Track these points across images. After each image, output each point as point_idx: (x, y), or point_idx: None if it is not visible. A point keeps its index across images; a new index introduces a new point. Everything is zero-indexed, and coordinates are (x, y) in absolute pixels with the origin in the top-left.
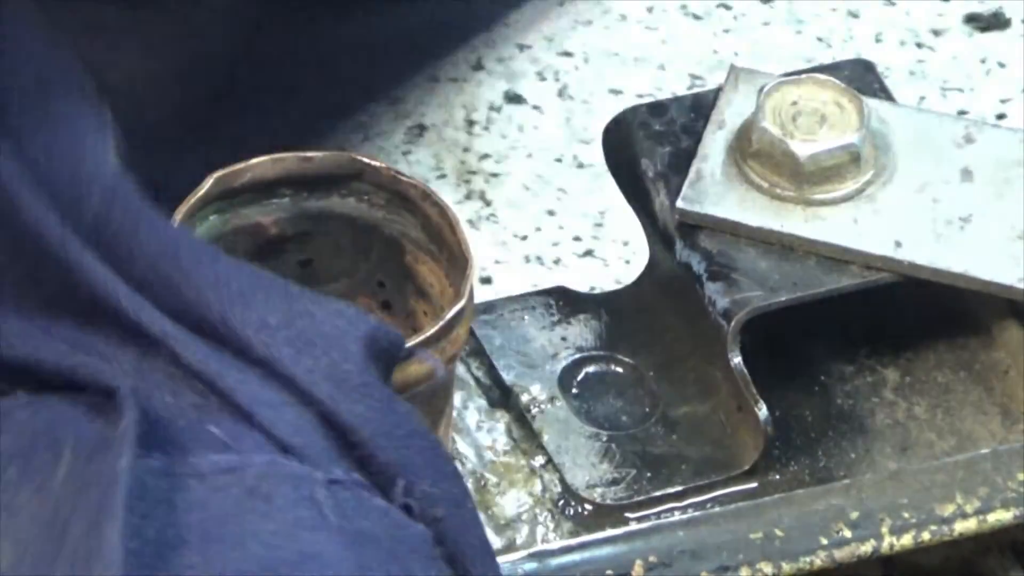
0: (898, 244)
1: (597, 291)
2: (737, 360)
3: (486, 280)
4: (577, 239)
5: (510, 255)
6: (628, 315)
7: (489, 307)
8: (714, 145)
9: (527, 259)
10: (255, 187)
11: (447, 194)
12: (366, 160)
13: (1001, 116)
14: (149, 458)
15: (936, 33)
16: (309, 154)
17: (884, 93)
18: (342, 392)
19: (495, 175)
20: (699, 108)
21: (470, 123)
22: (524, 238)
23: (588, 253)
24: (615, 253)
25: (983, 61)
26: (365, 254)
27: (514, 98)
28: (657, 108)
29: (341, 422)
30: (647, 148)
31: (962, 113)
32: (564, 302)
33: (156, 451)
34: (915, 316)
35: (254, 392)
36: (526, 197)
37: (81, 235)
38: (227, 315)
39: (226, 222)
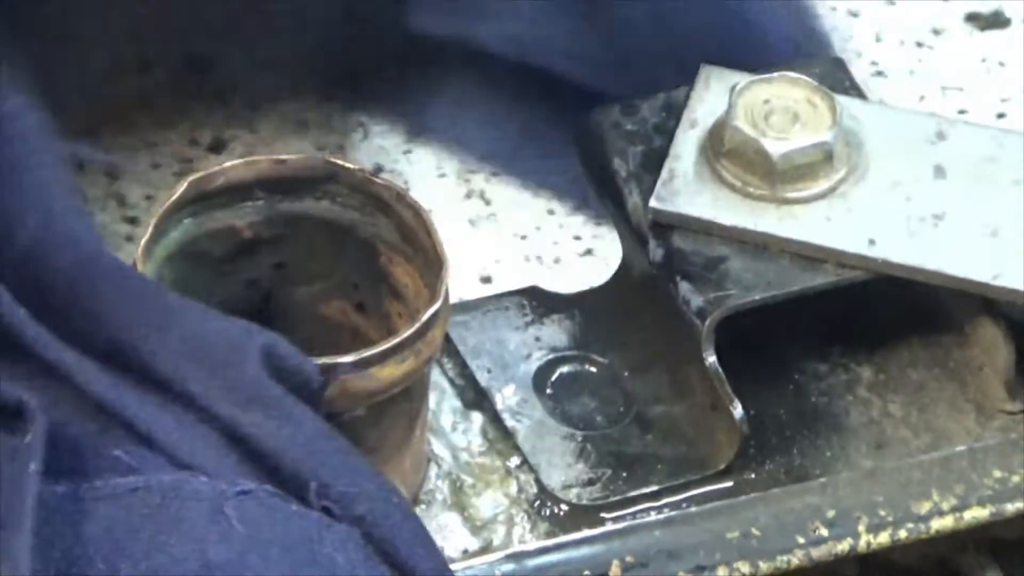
0: (872, 242)
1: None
2: (712, 359)
3: (486, 279)
4: (577, 238)
5: (510, 255)
6: (602, 315)
7: (463, 308)
8: (686, 144)
9: (527, 259)
10: (229, 190)
11: (447, 194)
12: (340, 162)
13: (1001, 115)
14: (55, 484)
15: (936, 32)
16: (283, 157)
17: (855, 90)
18: (241, 406)
19: (495, 174)
20: (671, 108)
21: None
22: (524, 238)
23: (588, 252)
24: (615, 252)
25: (983, 60)
26: (339, 256)
27: None
28: (629, 108)
29: (244, 435)
30: (619, 148)
31: (962, 112)
32: (538, 302)
33: (62, 477)
34: (889, 314)
35: (155, 416)
36: (526, 197)
37: (9, 268)
38: (132, 339)
39: (200, 225)
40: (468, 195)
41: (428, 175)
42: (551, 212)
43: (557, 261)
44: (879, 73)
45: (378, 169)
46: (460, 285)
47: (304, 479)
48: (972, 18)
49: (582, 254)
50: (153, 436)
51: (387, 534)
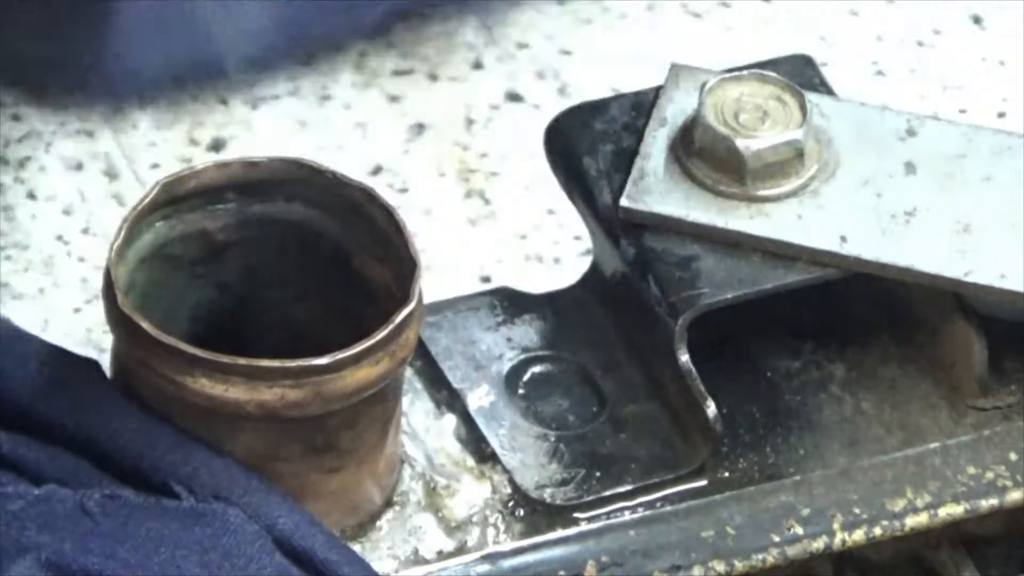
0: (843, 239)
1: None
2: (685, 358)
3: (486, 279)
4: (577, 238)
5: (510, 254)
6: (574, 314)
7: (433, 309)
8: (656, 143)
9: (527, 258)
10: (201, 193)
11: (447, 193)
12: (311, 164)
13: (1002, 115)
14: None
15: (937, 32)
16: (255, 159)
17: (824, 87)
18: (95, 426)
19: (495, 174)
20: (640, 106)
21: (470, 122)
22: (524, 237)
23: (588, 252)
24: None
25: (984, 60)
26: (311, 259)
27: (514, 97)
28: (598, 107)
29: (102, 451)
30: (589, 147)
31: (962, 112)
32: (509, 302)
33: None
34: (861, 311)
35: (16, 444)
36: (526, 196)
37: None
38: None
39: (172, 228)
40: (468, 195)
41: (428, 175)
42: (551, 212)
43: (557, 261)
44: (879, 73)
45: (377, 169)
46: (460, 285)
47: (163, 477)
48: (973, 18)
49: (582, 254)
50: (19, 462)
51: (260, 513)
